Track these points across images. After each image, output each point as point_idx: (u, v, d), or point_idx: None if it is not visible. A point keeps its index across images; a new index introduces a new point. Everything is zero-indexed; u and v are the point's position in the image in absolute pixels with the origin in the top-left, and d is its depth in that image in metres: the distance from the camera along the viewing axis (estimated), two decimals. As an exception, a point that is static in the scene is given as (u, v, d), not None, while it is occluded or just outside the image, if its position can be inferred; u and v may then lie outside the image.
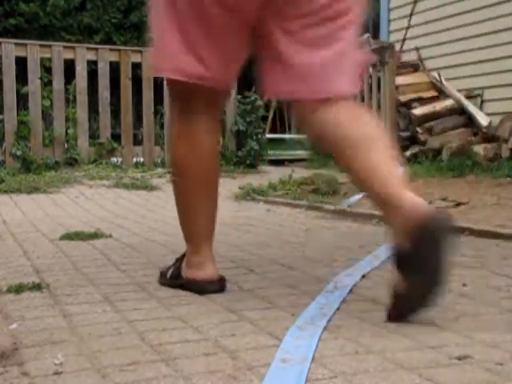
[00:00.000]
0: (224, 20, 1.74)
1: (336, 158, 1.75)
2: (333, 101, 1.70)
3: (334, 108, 1.70)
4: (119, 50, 7.03)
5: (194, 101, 1.86)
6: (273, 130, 11.29)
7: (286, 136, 11.04)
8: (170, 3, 1.77)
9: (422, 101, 6.70)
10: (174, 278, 1.97)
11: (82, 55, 6.63)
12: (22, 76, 6.58)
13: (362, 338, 1.43)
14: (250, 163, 6.90)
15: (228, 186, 5.38)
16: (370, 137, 1.67)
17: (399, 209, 1.51)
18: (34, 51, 6.43)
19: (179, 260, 2.00)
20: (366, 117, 1.75)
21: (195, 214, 1.91)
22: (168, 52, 1.80)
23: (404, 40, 6.89)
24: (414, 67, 7.25)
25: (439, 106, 6.56)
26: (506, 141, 5.70)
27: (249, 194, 4.71)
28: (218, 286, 1.89)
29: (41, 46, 6.58)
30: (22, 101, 6.80)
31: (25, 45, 6.52)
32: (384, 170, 1.61)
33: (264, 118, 8.00)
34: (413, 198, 1.52)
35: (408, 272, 1.48)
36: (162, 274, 2.03)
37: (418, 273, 1.46)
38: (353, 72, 1.76)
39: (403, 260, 1.49)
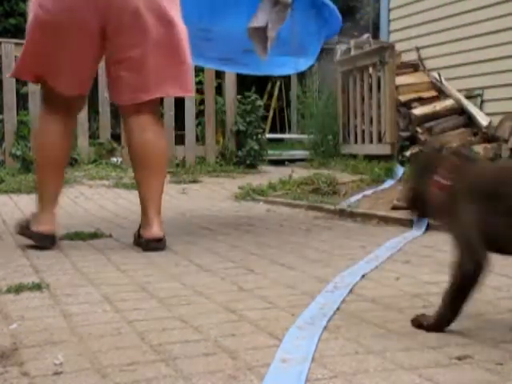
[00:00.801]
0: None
1: None
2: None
3: None
4: (119, 50, 7.01)
5: (56, 102, 2.64)
6: (273, 130, 11.28)
7: (286, 136, 11.03)
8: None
9: (421, 101, 6.69)
10: (25, 229, 2.71)
11: (82, 55, 6.61)
12: (21, 76, 6.57)
13: (362, 338, 1.44)
14: (249, 163, 6.89)
15: (228, 186, 5.39)
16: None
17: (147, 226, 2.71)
18: (34, 51, 6.42)
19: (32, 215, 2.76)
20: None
21: (47, 185, 2.71)
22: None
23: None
24: (414, 67, 7.25)
25: (439, 105, 6.55)
26: (506, 141, 5.70)
27: (249, 194, 4.70)
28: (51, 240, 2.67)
29: (41, 45, 6.57)
30: (22, 101, 6.80)
31: (25, 45, 6.51)
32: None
33: (264, 118, 7.98)
34: (154, 226, 2.71)
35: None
36: (21, 225, 2.76)
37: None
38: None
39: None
